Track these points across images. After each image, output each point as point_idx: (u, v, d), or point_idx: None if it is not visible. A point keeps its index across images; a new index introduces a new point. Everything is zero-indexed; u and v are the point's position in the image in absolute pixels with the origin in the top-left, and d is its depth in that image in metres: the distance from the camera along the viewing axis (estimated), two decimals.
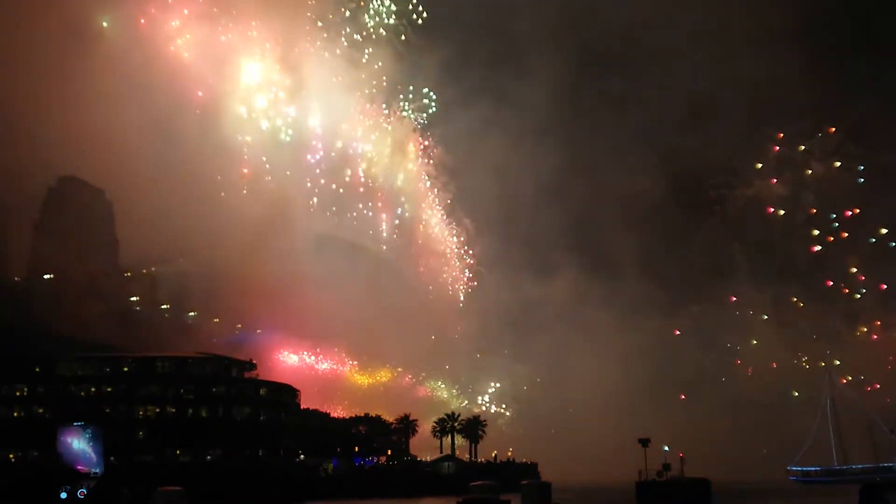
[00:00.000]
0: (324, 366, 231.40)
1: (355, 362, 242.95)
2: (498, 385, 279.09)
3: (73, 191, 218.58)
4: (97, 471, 33.96)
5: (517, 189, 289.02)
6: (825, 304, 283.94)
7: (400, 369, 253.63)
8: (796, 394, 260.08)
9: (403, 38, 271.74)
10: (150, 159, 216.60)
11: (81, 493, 35.28)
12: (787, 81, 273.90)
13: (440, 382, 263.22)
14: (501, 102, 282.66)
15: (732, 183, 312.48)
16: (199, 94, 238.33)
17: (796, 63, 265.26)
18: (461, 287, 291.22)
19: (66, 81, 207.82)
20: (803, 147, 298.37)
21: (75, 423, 27.36)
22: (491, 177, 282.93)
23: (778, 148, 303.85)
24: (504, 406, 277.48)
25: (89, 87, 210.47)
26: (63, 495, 33.75)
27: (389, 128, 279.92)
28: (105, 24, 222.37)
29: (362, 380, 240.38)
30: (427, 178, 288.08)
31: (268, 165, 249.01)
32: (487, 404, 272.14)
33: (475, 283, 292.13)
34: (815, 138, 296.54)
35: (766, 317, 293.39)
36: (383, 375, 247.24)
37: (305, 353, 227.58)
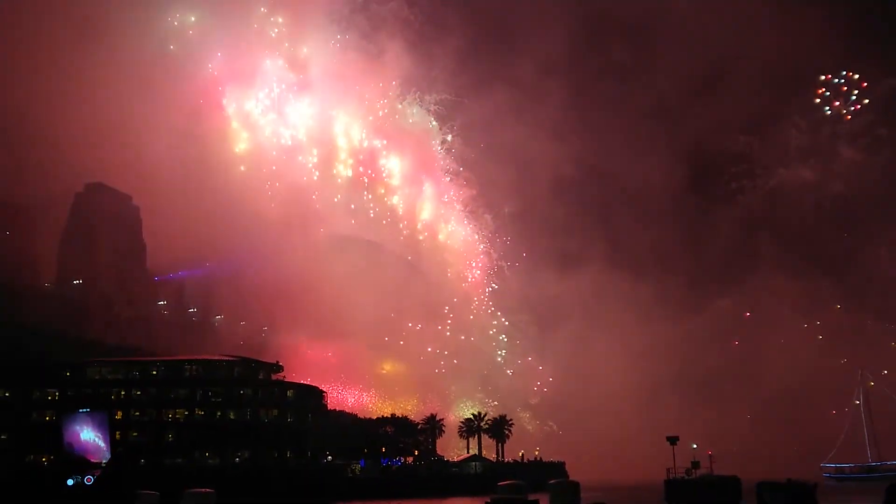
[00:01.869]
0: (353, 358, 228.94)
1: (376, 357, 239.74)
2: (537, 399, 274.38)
3: (101, 197, 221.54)
4: (106, 460, 34.45)
5: (533, 181, 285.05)
6: (857, 297, 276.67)
7: (416, 401, 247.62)
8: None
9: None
10: (176, 165, 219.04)
11: (88, 479, 35.71)
12: (811, 49, 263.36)
13: (468, 402, 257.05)
14: (515, 88, 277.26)
15: (754, 171, 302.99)
16: (225, 104, 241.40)
17: (820, 26, 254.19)
18: (484, 283, 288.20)
19: (92, 89, 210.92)
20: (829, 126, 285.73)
21: (81, 410, 27.62)
22: (507, 169, 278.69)
23: (801, 129, 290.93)
24: (542, 414, 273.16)
25: (114, 94, 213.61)
26: (70, 482, 34.19)
27: (411, 118, 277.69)
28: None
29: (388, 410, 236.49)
30: (447, 173, 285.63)
31: (275, 168, 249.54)
32: (529, 419, 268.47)
33: (497, 281, 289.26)
34: (842, 119, 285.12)
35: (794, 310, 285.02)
36: (411, 405, 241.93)
37: (335, 385, 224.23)
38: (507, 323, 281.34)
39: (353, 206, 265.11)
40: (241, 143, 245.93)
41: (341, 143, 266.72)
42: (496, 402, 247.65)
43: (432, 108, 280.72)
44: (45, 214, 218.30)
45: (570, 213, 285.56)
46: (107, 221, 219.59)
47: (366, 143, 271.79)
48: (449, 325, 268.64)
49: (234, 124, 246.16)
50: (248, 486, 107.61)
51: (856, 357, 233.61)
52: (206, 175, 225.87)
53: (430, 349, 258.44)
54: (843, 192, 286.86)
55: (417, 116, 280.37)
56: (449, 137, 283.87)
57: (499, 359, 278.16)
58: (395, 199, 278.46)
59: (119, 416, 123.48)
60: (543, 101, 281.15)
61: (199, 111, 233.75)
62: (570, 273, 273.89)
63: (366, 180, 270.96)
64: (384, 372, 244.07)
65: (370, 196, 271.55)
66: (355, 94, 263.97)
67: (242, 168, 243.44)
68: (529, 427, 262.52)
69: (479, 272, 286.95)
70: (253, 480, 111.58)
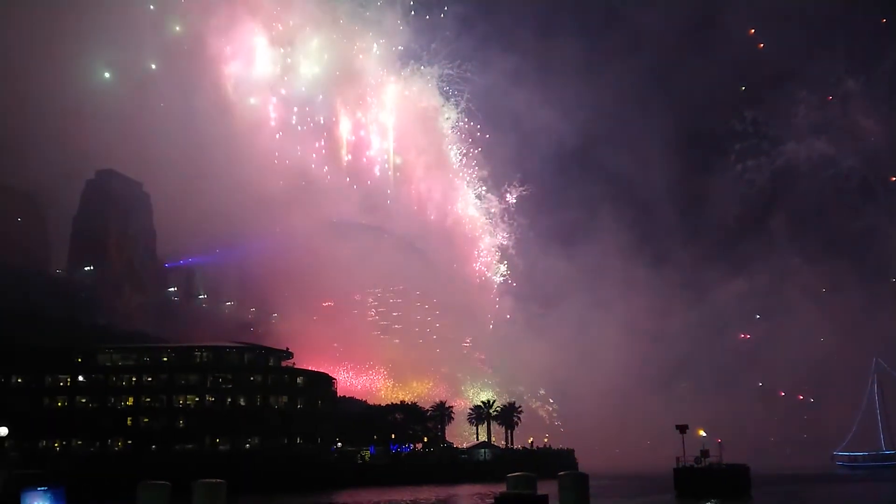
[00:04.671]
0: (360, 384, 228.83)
1: (386, 373, 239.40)
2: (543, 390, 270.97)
3: (111, 183, 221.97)
4: None
5: (539, 159, 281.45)
6: (873, 281, 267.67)
7: (430, 384, 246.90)
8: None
9: None
10: (185, 151, 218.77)
11: None
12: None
13: (478, 384, 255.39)
14: (515, 57, 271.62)
15: (762, 147, 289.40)
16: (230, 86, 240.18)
17: None
18: (491, 266, 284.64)
19: (104, 78, 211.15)
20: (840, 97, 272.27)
21: (39, 488, 28.56)
22: (512, 148, 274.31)
23: (809, 101, 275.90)
24: (551, 401, 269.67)
25: (121, 79, 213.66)
26: None
27: (412, 95, 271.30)
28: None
29: (401, 396, 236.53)
30: (455, 151, 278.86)
31: (278, 154, 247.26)
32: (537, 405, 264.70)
33: (503, 263, 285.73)
34: (855, 85, 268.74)
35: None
36: (421, 387, 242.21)
37: (344, 372, 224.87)
38: (513, 306, 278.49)
39: (354, 187, 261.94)
40: (244, 127, 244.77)
41: (343, 123, 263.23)
42: (505, 388, 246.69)
43: (435, 83, 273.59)
44: (56, 201, 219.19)
45: (576, 196, 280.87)
46: (117, 208, 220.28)
47: (371, 127, 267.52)
48: (457, 310, 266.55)
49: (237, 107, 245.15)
50: (258, 472, 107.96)
51: (871, 340, 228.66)
52: (213, 162, 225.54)
53: (437, 335, 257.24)
54: (858, 166, 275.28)
55: (420, 93, 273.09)
56: (454, 116, 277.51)
57: (506, 343, 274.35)
58: (401, 183, 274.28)
59: (130, 402, 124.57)
60: (544, 68, 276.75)
61: (200, 92, 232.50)
62: (576, 256, 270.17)
63: (366, 160, 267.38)
64: (392, 358, 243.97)
65: (375, 178, 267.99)
66: (354, 71, 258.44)
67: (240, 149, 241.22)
68: (539, 413, 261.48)
69: (485, 254, 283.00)
70: (263, 466, 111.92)
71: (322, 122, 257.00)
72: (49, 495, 22.44)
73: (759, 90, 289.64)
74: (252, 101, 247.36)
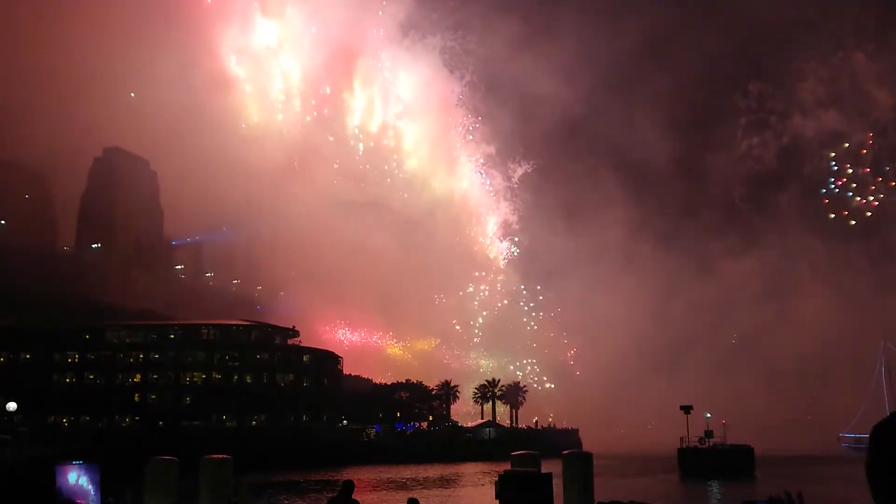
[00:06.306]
0: (370, 338, 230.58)
1: (392, 335, 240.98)
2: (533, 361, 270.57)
3: (118, 161, 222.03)
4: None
5: (544, 134, 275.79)
6: (883, 260, 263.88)
7: (437, 341, 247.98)
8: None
9: None
10: (191, 129, 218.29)
11: None
12: None
13: (479, 355, 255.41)
14: (517, 24, 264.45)
15: (769, 121, 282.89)
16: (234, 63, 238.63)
17: None
18: (496, 245, 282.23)
19: (109, 55, 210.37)
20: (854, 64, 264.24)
21: (74, 462, 28.93)
22: (515, 121, 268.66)
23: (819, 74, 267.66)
24: (545, 378, 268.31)
25: (130, 59, 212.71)
26: None
27: (415, 69, 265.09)
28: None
29: (400, 352, 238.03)
30: (459, 126, 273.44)
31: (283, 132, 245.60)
32: (528, 374, 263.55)
33: (509, 241, 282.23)
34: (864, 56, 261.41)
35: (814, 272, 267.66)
36: (423, 345, 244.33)
37: (346, 329, 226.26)
38: (517, 284, 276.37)
39: (366, 166, 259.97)
40: (249, 106, 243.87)
41: (345, 98, 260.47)
42: (510, 366, 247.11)
43: (437, 55, 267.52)
44: (63, 179, 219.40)
45: (578, 170, 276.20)
46: (124, 186, 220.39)
47: (373, 102, 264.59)
48: (464, 289, 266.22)
49: (248, 92, 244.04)
50: (264, 449, 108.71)
51: (878, 324, 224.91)
52: (218, 138, 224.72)
53: (441, 313, 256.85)
54: (869, 141, 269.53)
55: (423, 66, 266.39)
56: (457, 89, 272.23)
57: (511, 321, 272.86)
58: (404, 158, 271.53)
59: (138, 379, 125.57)
60: (546, 34, 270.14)
61: (200, 67, 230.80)
62: (582, 234, 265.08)
63: (373, 140, 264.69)
64: (396, 336, 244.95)
65: (378, 153, 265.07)
66: (354, 44, 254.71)
67: (244, 126, 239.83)
68: (542, 392, 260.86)
69: (489, 231, 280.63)
70: (269, 444, 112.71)
71: (327, 91, 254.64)
72: (84, 469, 22.43)
73: (764, 63, 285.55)
74: (251, 74, 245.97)
